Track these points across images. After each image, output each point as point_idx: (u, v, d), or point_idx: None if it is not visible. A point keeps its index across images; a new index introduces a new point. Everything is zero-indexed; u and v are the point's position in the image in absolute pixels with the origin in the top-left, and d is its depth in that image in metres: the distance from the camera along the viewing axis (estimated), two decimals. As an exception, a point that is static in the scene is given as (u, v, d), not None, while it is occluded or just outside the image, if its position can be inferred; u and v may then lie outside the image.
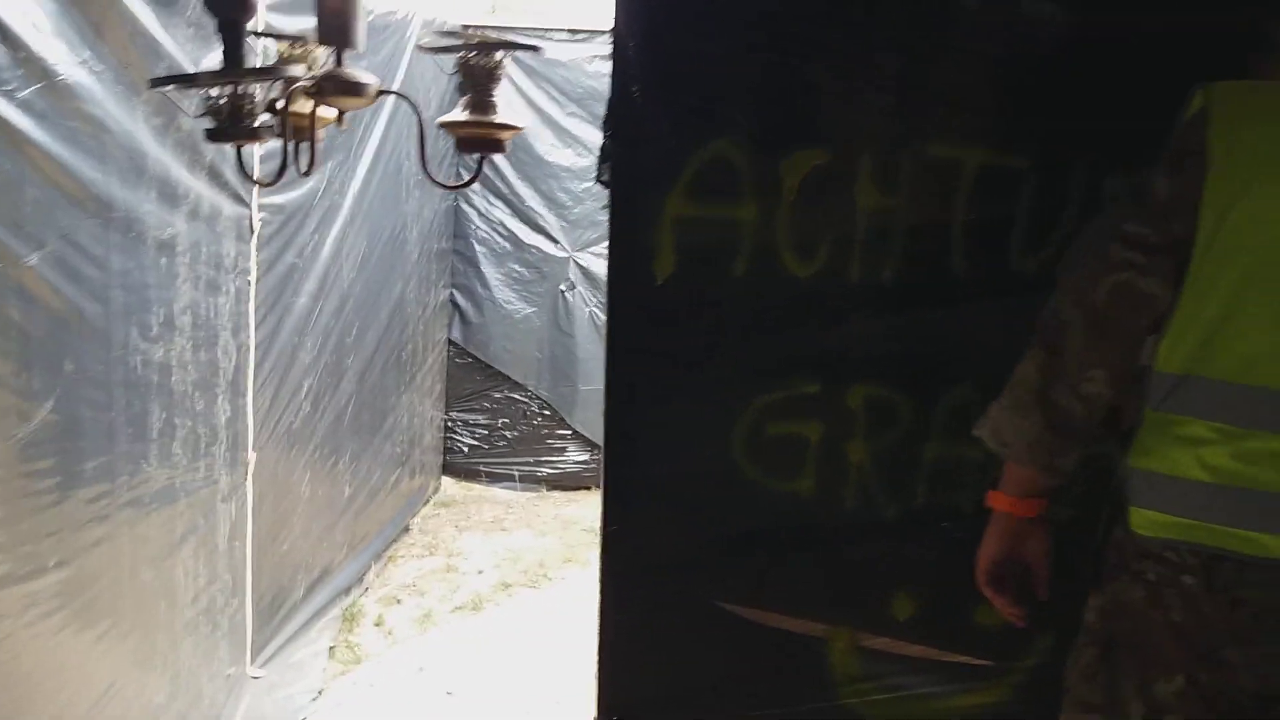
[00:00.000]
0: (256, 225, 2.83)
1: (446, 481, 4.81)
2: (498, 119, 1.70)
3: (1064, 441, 1.40)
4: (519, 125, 1.73)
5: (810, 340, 1.87)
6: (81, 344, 1.83)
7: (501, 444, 4.81)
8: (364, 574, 3.87)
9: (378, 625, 3.57)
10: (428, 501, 4.61)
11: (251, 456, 2.95)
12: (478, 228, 4.58)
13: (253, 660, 3.09)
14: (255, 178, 1.66)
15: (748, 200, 1.81)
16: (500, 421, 4.78)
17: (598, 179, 1.81)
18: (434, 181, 1.78)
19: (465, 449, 4.83)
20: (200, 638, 2.63)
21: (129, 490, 2.09)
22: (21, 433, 1.63)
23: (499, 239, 4.60)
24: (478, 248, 4.60)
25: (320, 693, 3.14)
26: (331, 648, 3.38)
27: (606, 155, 1.80)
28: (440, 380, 4.69)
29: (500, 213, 4.57)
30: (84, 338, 1.84)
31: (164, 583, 2.34)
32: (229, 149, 2.26)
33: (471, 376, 4.74)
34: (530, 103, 4.43)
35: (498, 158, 4.59)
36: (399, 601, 3.74)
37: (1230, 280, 1.28)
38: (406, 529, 4.33)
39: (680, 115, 1.77)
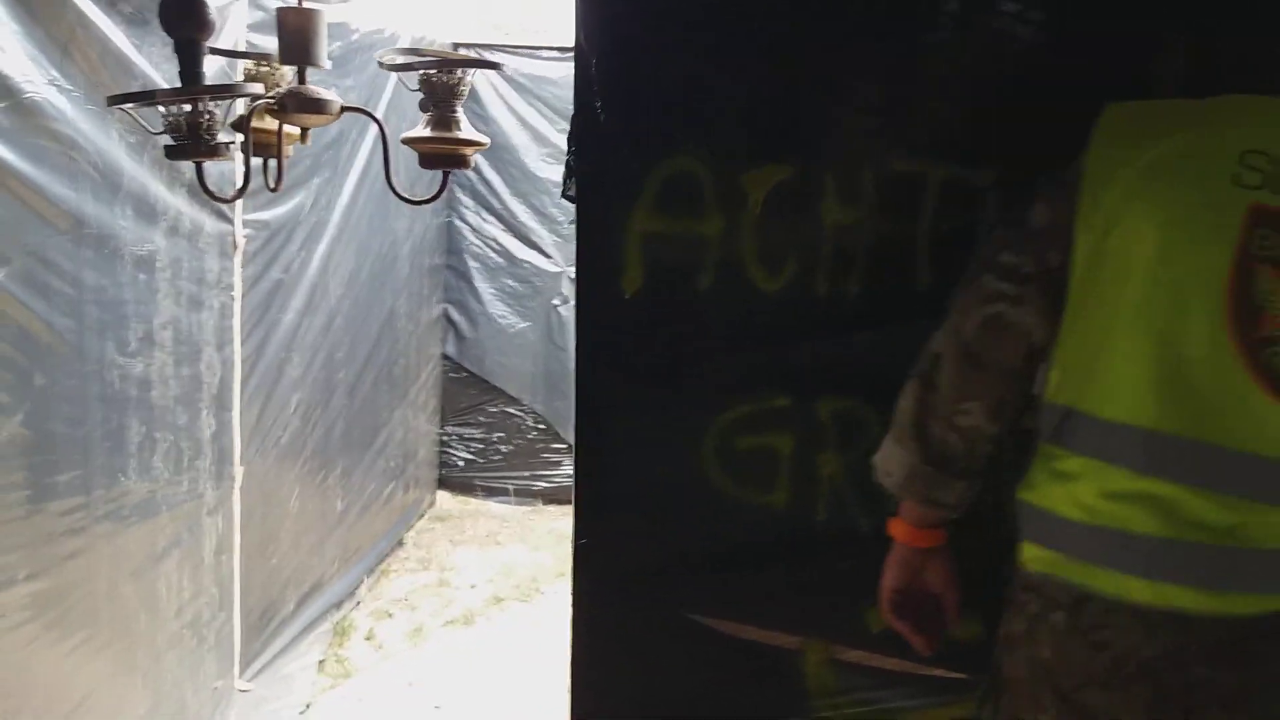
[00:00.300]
0: (240, 241, 2.85)
1: (442, 495, 4.82)
2: (460, 135, 1.72)
3: (941, 475, 1.39)
4: (482, 141, 1.75)
5: (779, 353, 1.87)
6: (53, 359, 1.85)
7: (497, 458, 4.82)
8: (356, 588, 3.88)
9: (368, 639, 3.58)
10: (422, 515, 4.62)
11: (239, 470, 2.97)
12: (471, 243, 4.61)
13: (241, 674, 3.11)
14: (216, 194, 1.67)
15: (713, 214, 1.82)
16: (495, 436, 4.79)
17: (564, 194, 1.82)
18: (399, 196, 1.80)
19: (461, 463, 4.84)
20: (185, 651, 2.64)
21: (106, 503, 2.11)
22: (-11, 447, 1.65)
23: (492, 254, 4.62)
24: (471, 263, 4.63)
25: (308, 706, 3.15)
26: (321, 661, 3.39)
27: (571, 171, 1.81)
28: (435, 395, 4.71)
29: (493, 228, 4.60)
30: (55, 353, 1.86)
31: (145, 595, 2.35)
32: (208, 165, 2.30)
33: (466, 391, 4.76)
34: (521, 119, 4.47)
35: (490, 174, 4.63)
36: (390, 615, 3.75)
37: (1103, 310, 1.24)
38: (401, 543, 4.34)
39: (643, 130, 1.78)
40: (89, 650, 2.05)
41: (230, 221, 2.79)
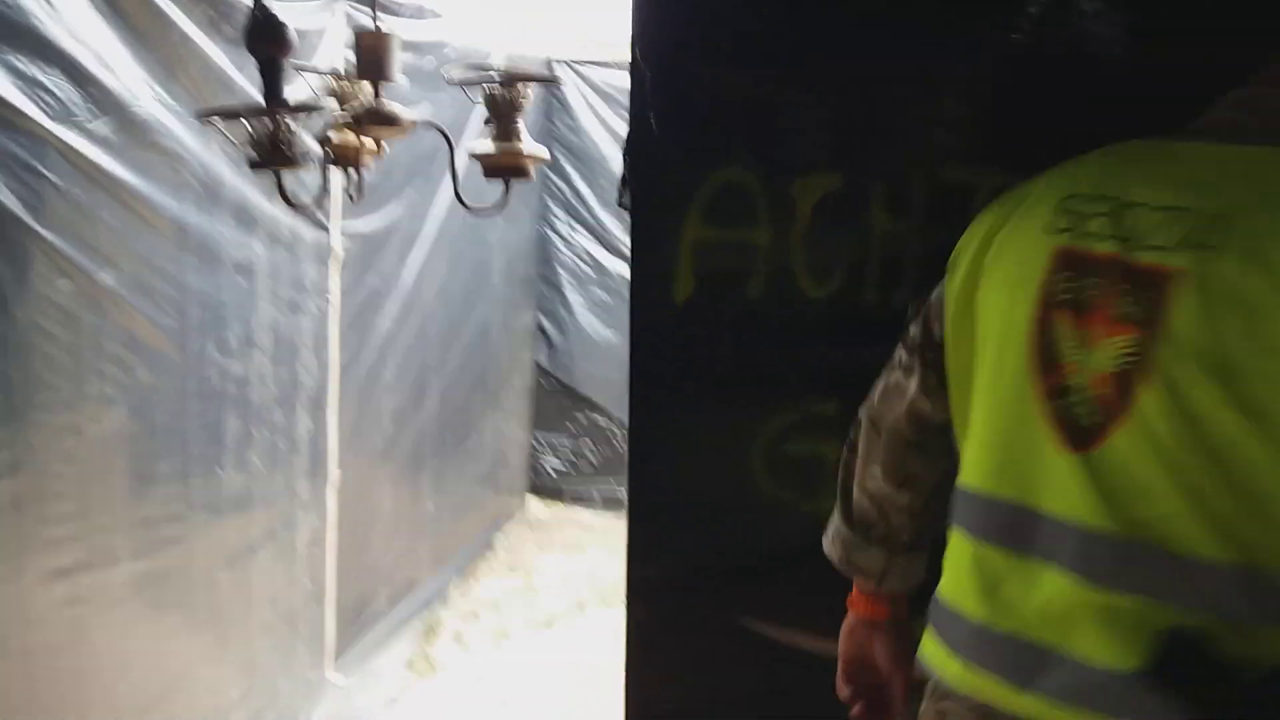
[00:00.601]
0: (337, 250, 3.03)
1: (532, 501, 4.95)
2: (521, 147, 1.82)
3: (857, 539, 1.39)
4: (543, 154, 1.85)
5: (827, 360, 1.91)
6: (156, 356, 2.02)
7: (585, 466, 4.93)
8: (446, 588, 4.03)
9: (456, 639, 3.71)
10: (513, 520, 4.76)
11: (334, 469, 3.14)
12: (562, 253, 4.74)
13: (335, 666, 3.27)
14: (293, 202, 1.80)
15: (763, 223, 1.87)
16: (585, 444, 4.90)
17: (619, 203, 1.90)
18: (465, 205, 1.91)
19: (551, 470, 4.97)
20: (278, 639, 2.81)
21: (203, 493, 2.28)
22: (94, 435, 1.82)
23: (582, 265, 4.74)
24: (562, 273, 4.76)
25: (395, 700, 3.29)
26: (410, 659, 3.54)
27: (626, 181, 1.88)
28: (527, 402, 4.85)
29: (583, 239, 4.72)
30: (158, 351, 2.03)
31: (240, 583, 2.52)
32: (306, 178, 2.46)
33: (558, 399, 4.88)
34: (613, 132, 4.57)
35: (581, 185, 4.75)
36: (477, 617, 3.88)
37: (966, 379, 1.20)
38: (490, 546, 4.48)
39: (694, 142, 1.84)
40: (186, 631, 2.21)
41: (327, 231, 2.97)
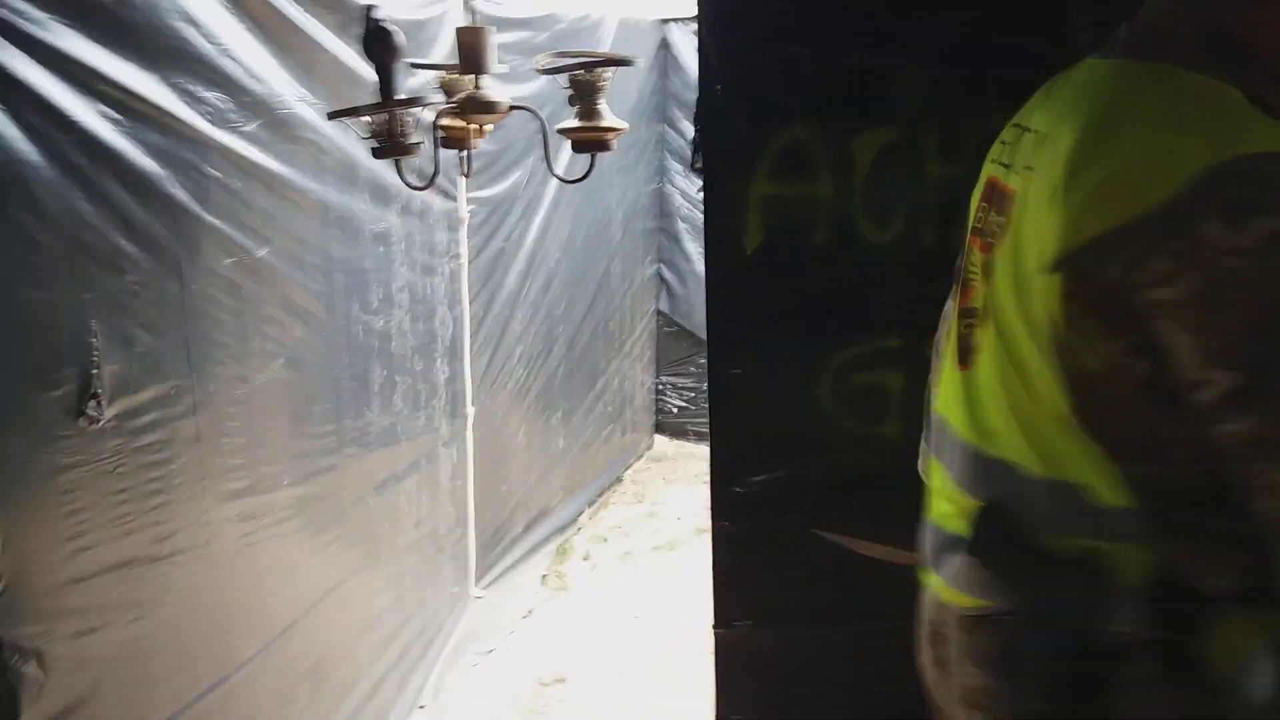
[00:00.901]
0: (465, 216, 3.35)
1: (659, 439, 5.25)
2: (603, 124, 2.06)
3: None
4: (622, 126, 2.08)
5: (888, 299, 2.09)
6: (307, 316, 2.37)
7: (706, 406, 5.16)
8: (578, 516, 4.38)
9: (585, 560, 4.05)
10: (640, 456, 5.06)
11: (471, 410, 3.49)
12: (681, 206, 4.95)
13: (477, 582, 3.66)
14: (411, 184, 2.08)
15: (824, 177, 2.05)
16: (705, 385, 5.13)
17: (691, 167, 2.12)
18: (557, 177, 2.17)
19: (675, 410, 5.24)
20: (424, 557, 3.19)
21: (353, 431, 2.64)
22: (258, 381, 2.18)
23: (700, 217, 4.91)
24: (681, 225, 4.97)
25: (530, 612, 3.66)
26: (544, 576, 3.90)
27: (698, 147, 2.10)
28: (650, 347, 5.12)
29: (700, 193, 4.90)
30: (309, 311, 2.38)
31: (388, 507, 2.90)
32: (443, 157, 2.77)
33: (679, 344, 5.13)
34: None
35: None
36: (606, 540, 4.21)
37: None
38: (620, 479, 4.80)
39: (757, 107, 2.03)
40: (340, 546, 2.59)
41: (455, 199, 3.28)
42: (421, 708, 3.07)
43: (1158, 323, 0.86)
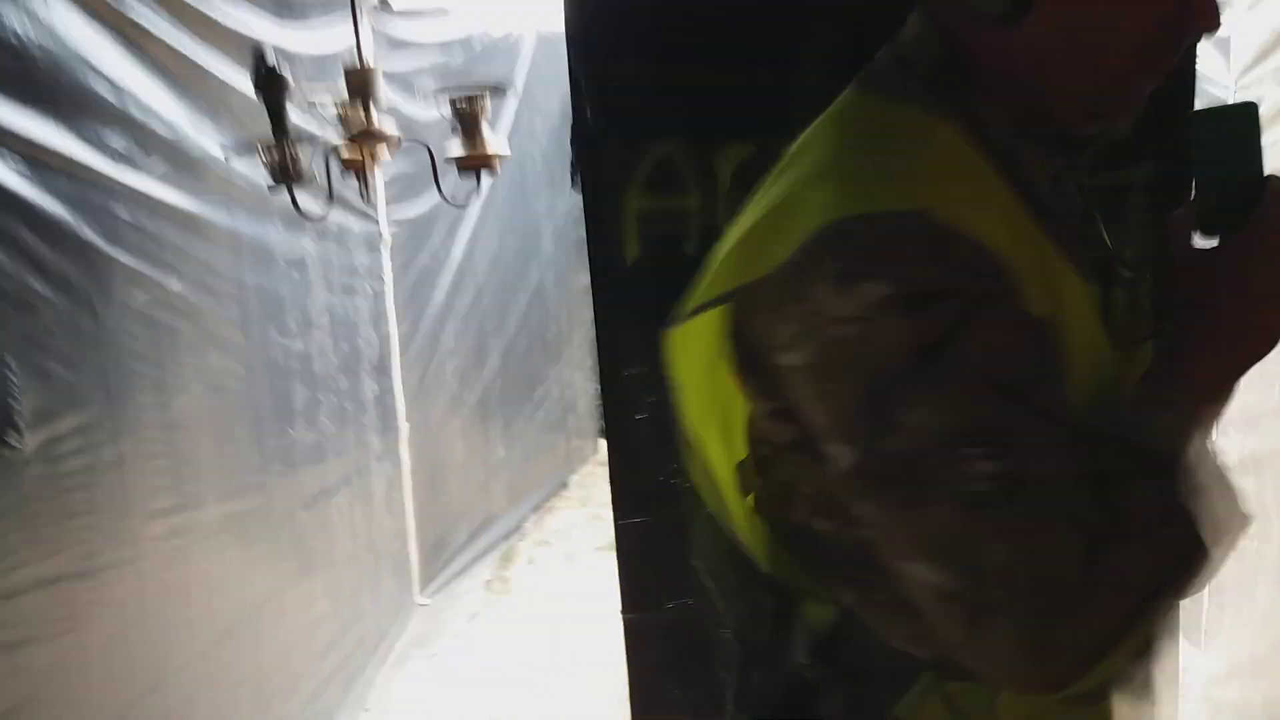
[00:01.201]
0: (388, 237, 3.49)
1: (604, 444, 5.39)
2: (486, 150, 2.23)
3: None
4: (504, 151, 2.25)
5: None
6: (223, 341, 2.51)
7: (648, 407, 5.33)
8: (522, 522, 4.53)
9: (530, 563, 4.20)
10: (586, 461, 5.22)
11: (404, 425, 3.64)
12: (608, 216, 5.10)
13: (421, 590, 3.80)
14: (306, 215, 2.23)
15: (692, 191, 2.22)
16: (645, 387, 5.30)
17: (572, 186, 2.28)
18: (445, 199, 2.33)
19: (617, 413, 5.40)
20: (363, 568, 3.33)
21: (276, 449, 2.78)
22: (177, 406, 2.32)
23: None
24: (610, 234, 5.13)
25: (475, 616, 3.80)
26: (488, 581, 4.05)
27: (575, 167, 2.26)
28: (590, 354, 5.28)
29: (625, 201, 5.07)
30: (224, 337, 2.52)
31: (320, 522, 3.03)
32: (353, 180, 2.92)
33: (617, 349, 5.28)
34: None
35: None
36: (549, 544, 4.37)
37: None
38: (565, 485, 4.96)
39: (627, 127, 2.19)
40: (272, 560, 2.73)
41: (375, 221, 3.43)
42: (367, 710, 3.21)
43: (789, 390, 0.80)
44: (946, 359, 0.71)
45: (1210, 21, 0.78)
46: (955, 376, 0.71)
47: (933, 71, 0.85)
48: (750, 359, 0.83)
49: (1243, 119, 0.80)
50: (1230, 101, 1.82)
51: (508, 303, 4.39)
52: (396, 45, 3.43)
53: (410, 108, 3.21)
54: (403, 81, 3.34)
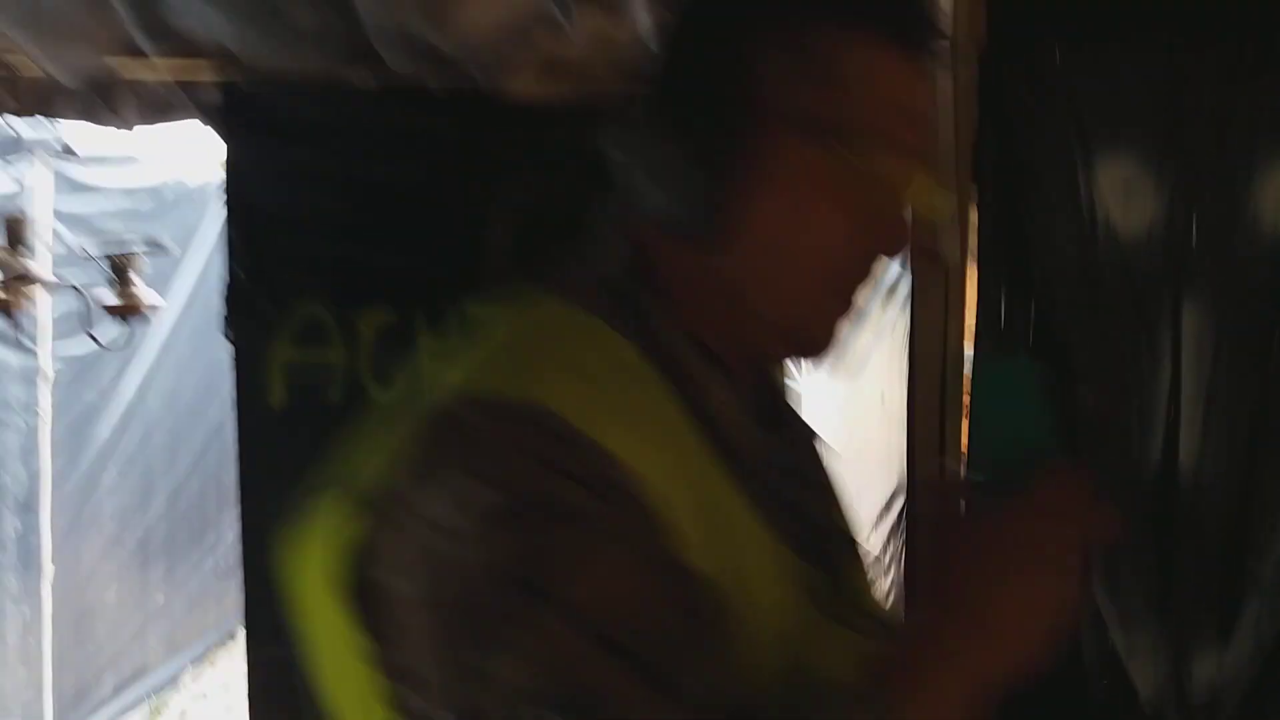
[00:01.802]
0: (47, 371, 3.45)
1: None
2: (137, 301, 2.36)
3: None
4: (157, 301, 2.39)
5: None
6: None
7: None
8: (179, 674, 4.36)
9: (181, 717, 4.04)
10: (259, 609, 5.09)
11: (49, 566, 3.50)
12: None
13: (51, 747, 3.57)
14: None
15: (336, 345, 2.44)
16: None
17: (224, 335, 2.44)
18: (94, 340, 2.43)
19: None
20: (-18, 720, 3.12)
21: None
22: None
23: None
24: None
25: (110, 774, 3.61)
26: (131, 737, 3.86)
27: (228, 323, 2.42)
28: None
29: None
30: None
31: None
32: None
33: (301, 495, 5.27)
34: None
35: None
36: (206, 697, 4.22)
37: None
38: (233, 635, 4.81)
39: (276, 287, 2.40)
40: None
41: (36, 356, 3.39)
42: None
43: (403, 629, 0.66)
44: (553, 596, 0.58)
45: (897, 243, 0.74)
46: (557, 620, 0.57)
47: (620, 286, 0.76)
48: (363, 585, 0.66)
49: (1027, 376, 0.72)
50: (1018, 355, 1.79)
51: (180, 443, 4.34)
52: (78, 188, 3.49)
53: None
54: (85, 224, 3.40)
